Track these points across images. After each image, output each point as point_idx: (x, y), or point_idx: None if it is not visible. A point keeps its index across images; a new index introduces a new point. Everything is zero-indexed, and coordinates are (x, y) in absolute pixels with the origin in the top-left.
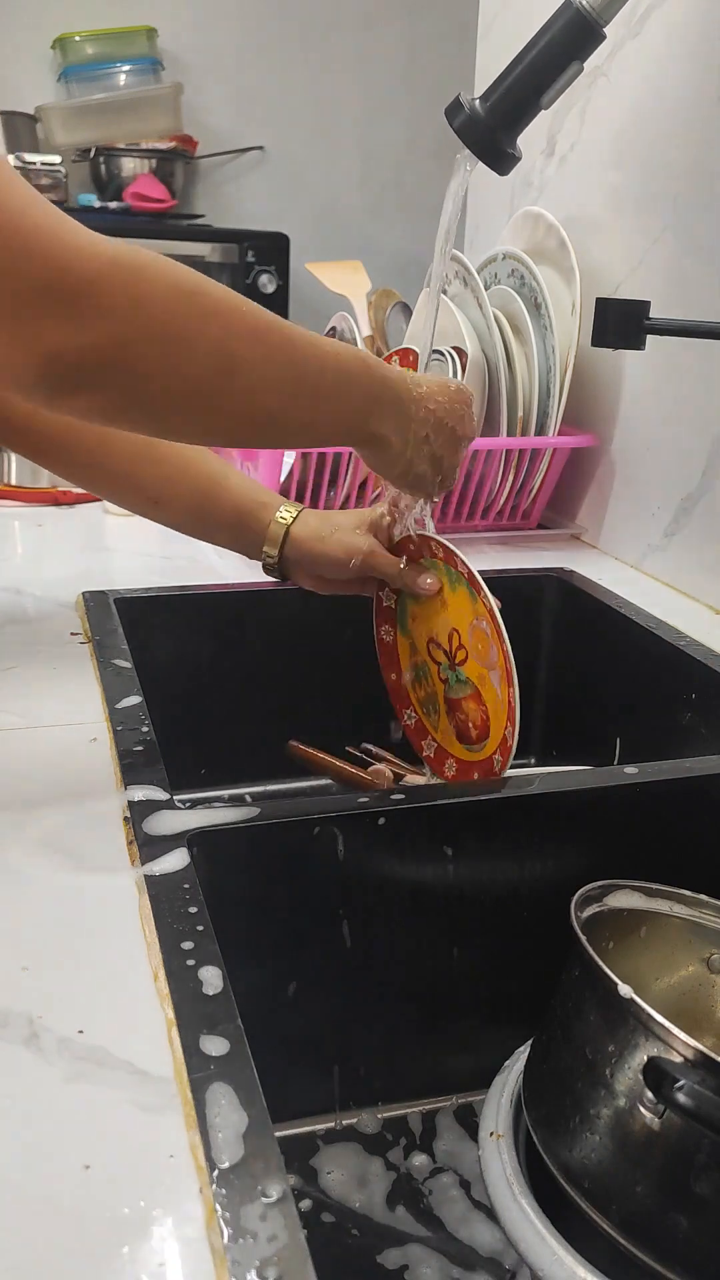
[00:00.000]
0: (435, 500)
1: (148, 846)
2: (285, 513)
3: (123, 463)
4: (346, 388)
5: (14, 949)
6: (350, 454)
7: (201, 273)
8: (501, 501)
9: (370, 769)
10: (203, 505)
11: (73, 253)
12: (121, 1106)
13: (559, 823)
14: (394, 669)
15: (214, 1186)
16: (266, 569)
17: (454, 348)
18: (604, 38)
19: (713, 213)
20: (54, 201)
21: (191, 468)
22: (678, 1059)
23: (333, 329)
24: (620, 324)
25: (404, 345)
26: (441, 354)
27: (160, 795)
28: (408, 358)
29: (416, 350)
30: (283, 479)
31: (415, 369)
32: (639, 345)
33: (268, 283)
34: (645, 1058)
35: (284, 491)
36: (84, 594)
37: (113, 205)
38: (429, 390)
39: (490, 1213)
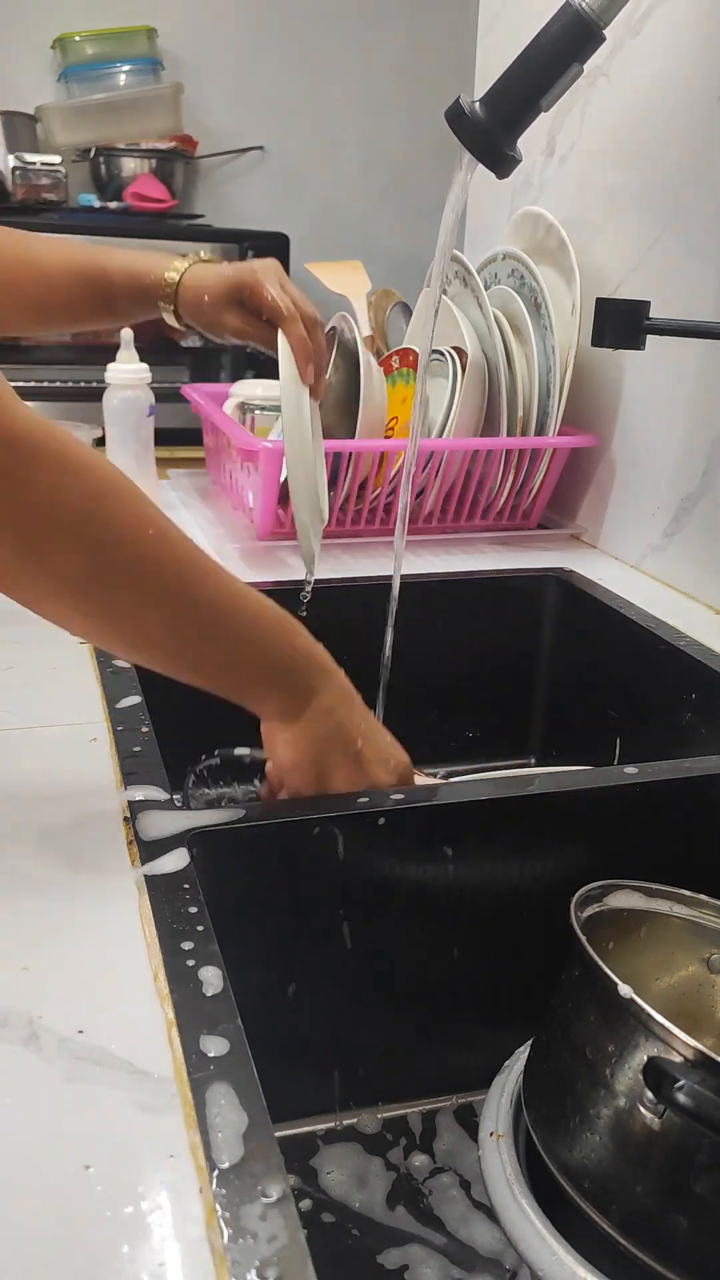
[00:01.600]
0: None
1: (148, 846)
2: (181, 262)
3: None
4: (251, 637)
5: (14, 949)
6: (350, 454)
7: None
8: (501, 501)
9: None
10: (93, 282)
11: (17, 425)
12: (121, 1106)
13: (559, 823)
14: None
15: (214, 1186)
16: (169, 315)
17: (454, 348)
18: (604, 39)
19: (713, 213)
20: (54, 201)
21: (73, 252)
22: (678, 1059)
23: (332, 329)
24: (620, 324)
25: (404, 345)
26: (442, 354)
27: (160, 795)
28: (408, 358)
29: (416, 350)
30: (283, 478)
31: (415, 369)
32: (639, 345)
33: None
34: (645, 1058)
35: (284, 489)
36: None
37: (113, 205)
38: (361, 712)
39: (490, 1213)
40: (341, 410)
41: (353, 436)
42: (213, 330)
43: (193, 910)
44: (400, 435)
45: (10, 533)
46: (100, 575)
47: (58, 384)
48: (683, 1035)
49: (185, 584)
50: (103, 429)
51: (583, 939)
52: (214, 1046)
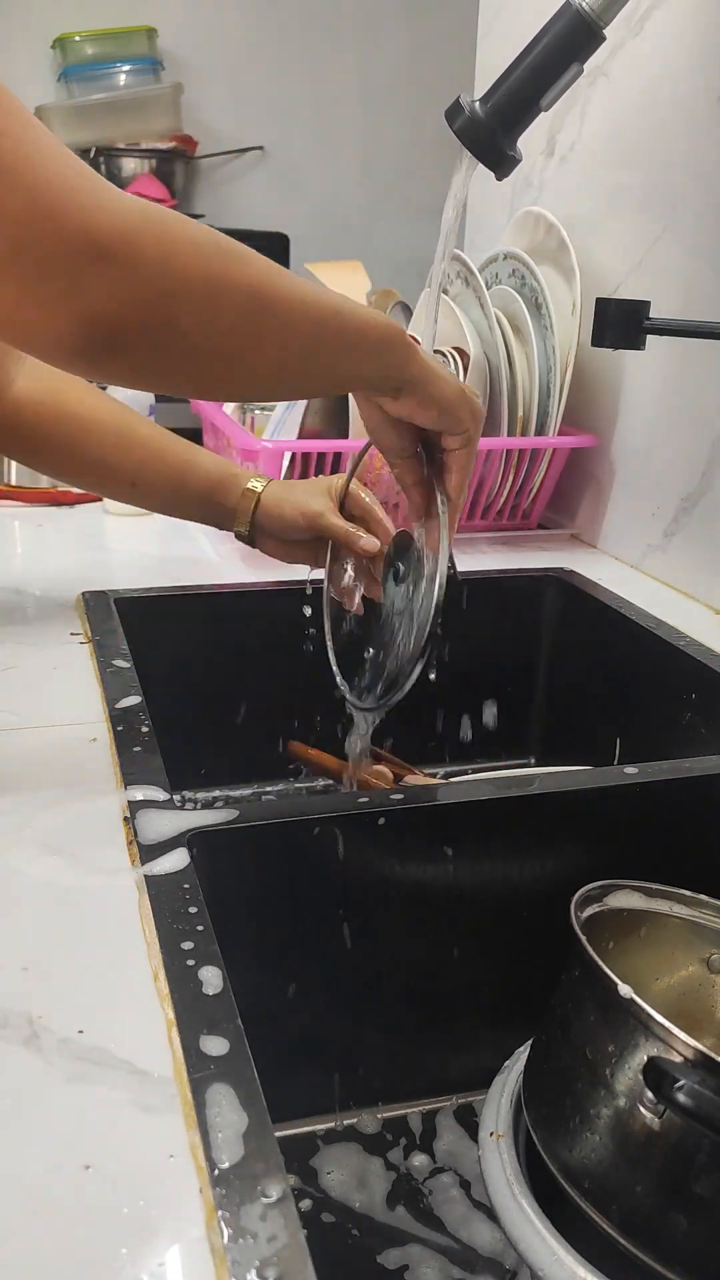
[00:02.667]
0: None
1: (148, 846)
2: (255, 483)
3: (100, 451)
4: (366, 321)
5: (14, 949)
6: (350, 455)
7: None
8: (501, 501)
9: (373, 768)
10: (179, 483)
11: (105, 211)
12: (121, 1106)
13: (559, 823)
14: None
15: (214, 1186)
16: (238, 536)
17: (455, 348)
18: (604, 39)
19: (713, 213)
20: None
21: (166, 449)
22: (678, 1059)
23: None
24: (620, 324)
25: None
26: (443, 354)
27: (160, 795)
28: None
29: (415, 338)
30: (282, 474)
31: None
32: (639, 345)
33: None
34: (645, 1058)
35: None
36: (84, 594)
37: None
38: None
39: (490, 1213)
40: (333, 409)
41: (345, 436)
42: (288, 520)
43: (193, 910)
44: None
45: (186, 296)
46: (255, 312)
47: None
48: (683, 1035)
49: (317, 298)
50: None
51: (583, 939)
52: (214, 1046)
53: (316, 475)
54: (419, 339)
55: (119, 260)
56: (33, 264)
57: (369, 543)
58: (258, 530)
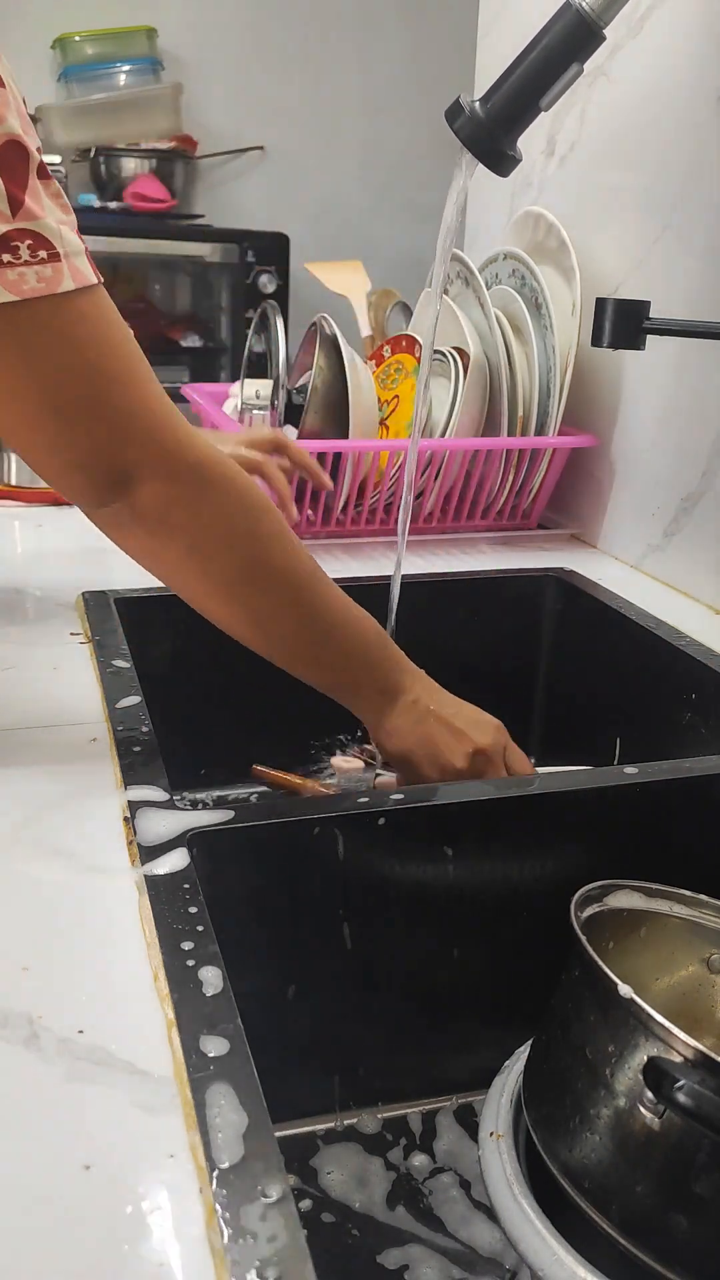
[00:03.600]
0: None
1: (148, 846)
2: None
3: None
4: (364, 636)
5: (14, 949)
6: (350, 455)
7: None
8: (501, 501)
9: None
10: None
11: (190, 444)
12: (121, 1106)
13: (559, 823)
14: None
15: (214, 1186)
16: None
17: (455, 348)
18: (604, 39)
19: (713, 213)
20: None
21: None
22: (678, 1059)
23: (313, 325)
24: (620, 324)
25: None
26: (443, 355)
27: (160, 795)
28: (401, 343)
29: (410, 336)
30: None
31: (415, 358)
32: (639, 345)
33: (268, 283)
34: (645, 1058)
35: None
36: (84, 594)
37: (113, 205)
38: (448, 701)
39: (490, 1213)
40: (331, 409)
41: (345, 436)
42: None
43: (193, 910)
44: (399, 434)
45: (184, 537)
46: (251, 581)
47: None
48: (683, 1035)
49: (313, 594)
50: None
51: (583, 939)
52: (214, 1046)
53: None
54: (419, 338)
55: (173, 475)
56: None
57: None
58: None
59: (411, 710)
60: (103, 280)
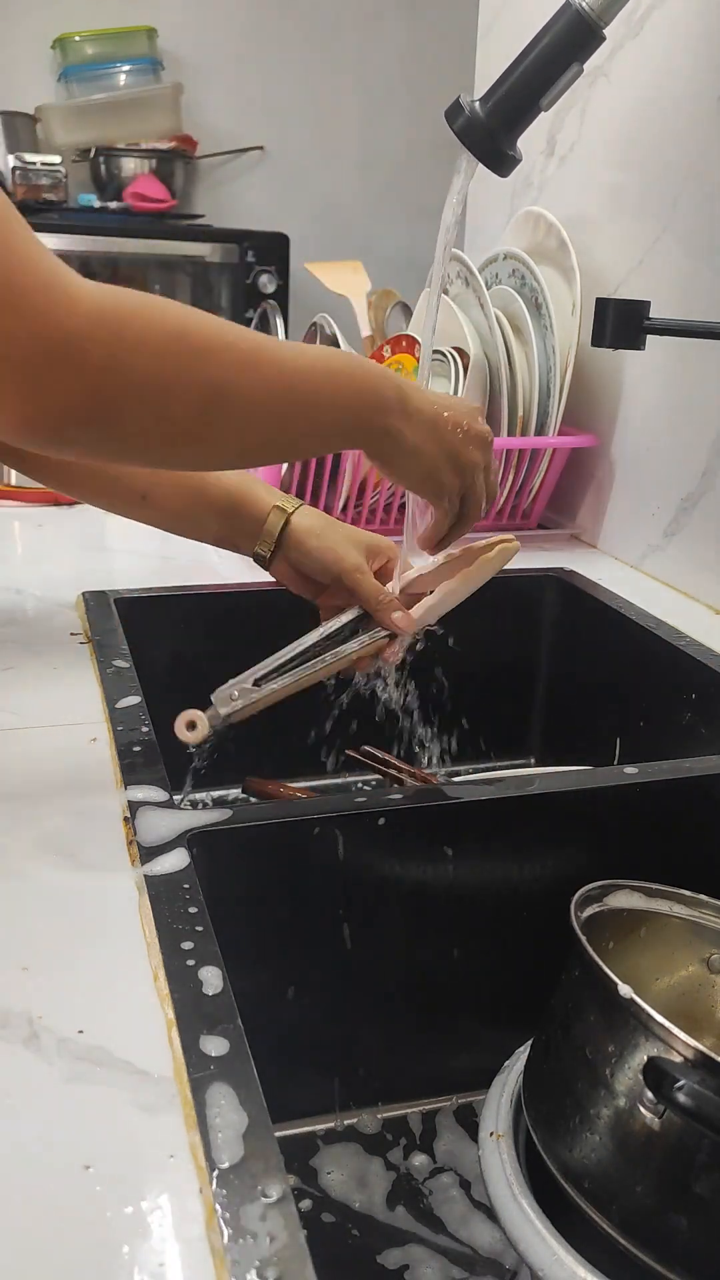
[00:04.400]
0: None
1: (148, 846)
2: (286, 503)
3: (114, 467)
4: (340, 392)
5: (14, 949)
6: (351, 454)
7: (189, 305)
8: (501, 501)
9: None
10: (194, 497)
11: (61, 309)
12: (121, 1106)
13: (559, 823)
14: None
15: (214, 1186)
16: (257, 558)
17: (455, 348)
18: (604, 39)
19: (713, 213)
20: (54, 201)
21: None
22: (678, 1059)
23: (313, 325)
24: (620, 324)
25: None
26: (443, 355)
27: (160, 795)
28: (401, 343)
29: (410, 336)
30: (282, 474)
31: (415, 357)
32: (639, 345)
33: (268, 283)
34: (645, 1058)
35: (283, 489)
36: (84, 594)
37: (113, 205)
38: (428, 393)
39: (490, 1213)
40: None
41: None
42: (318, 561)
43: (193, 910)
44: None
45: (134, 397)
46: (210, 410)
47: None
48: (683, 1035)
49: (283, 369)
50: None
51: (583, 939)
52: (214, 1046)
53: (315, 478)
54: (419, 339)
55: (65, 363)
56: None
57: (404, 620)
58: (278, 555)
59: (415, 435)
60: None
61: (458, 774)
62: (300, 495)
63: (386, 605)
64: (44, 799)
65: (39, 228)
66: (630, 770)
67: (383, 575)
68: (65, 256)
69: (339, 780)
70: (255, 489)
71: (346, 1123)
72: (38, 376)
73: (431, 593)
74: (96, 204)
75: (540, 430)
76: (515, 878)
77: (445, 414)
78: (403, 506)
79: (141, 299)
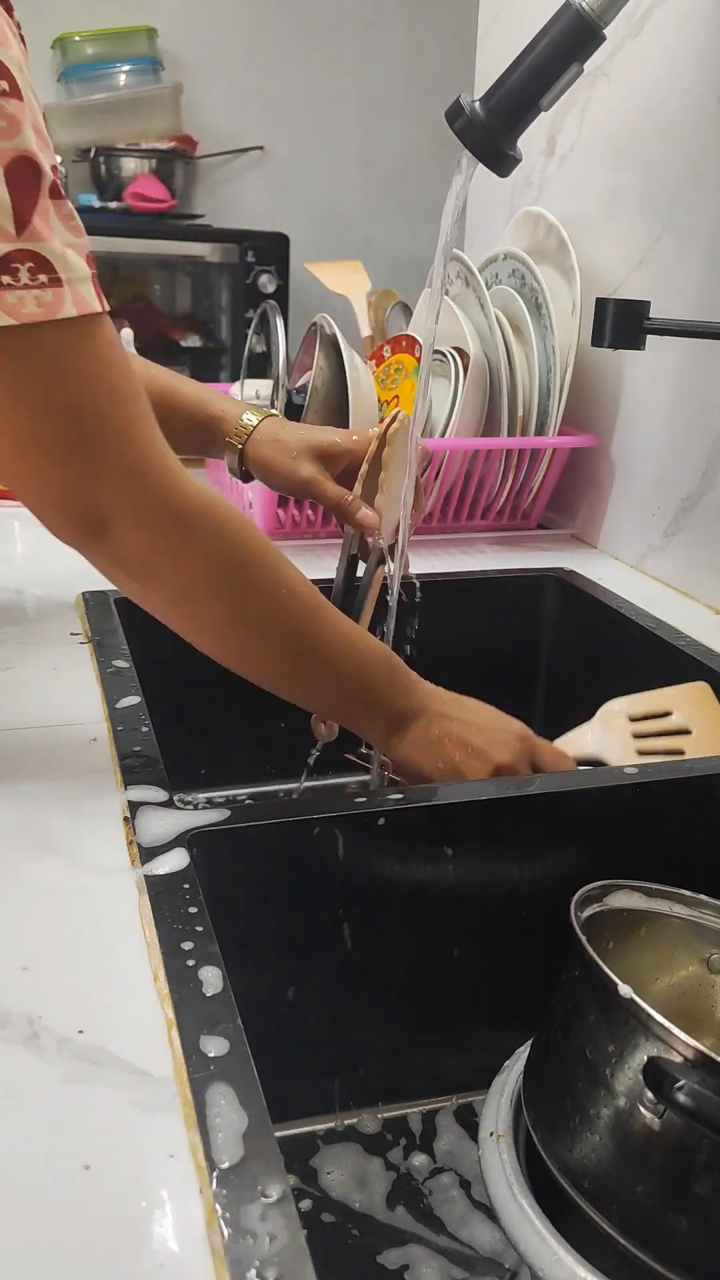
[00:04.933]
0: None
1: (148, 846)
2: (251, 416)
3: None
4: (360, 673)
5: (14, 949)
6: None
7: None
8: (501, 501)
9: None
10: (162, 409)
11: (175, 491)
12: (121, 1106)
13: (559, 823)
14: None
15: (214, 1186)
16: (231, 469)
17: (455, 348)
18: (604, 39)
19: (713, 213)
20: None
21: (146, 375)
22: (678, 1059)
23: (313, 324)
24: (620, 324)
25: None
26: (443, 355)
27: (160, 795)
28: (401, 343)
29: (410, 336)
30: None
31: (415, 357)
32: (639, 345)
33: (268, 283)
34: (645, 1058)
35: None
36: (84, 594)
37: (113, 205)
38: (457, 711)
39: (490, 1213)
40: (331, 410)
41: None
42: (279, 478)
43: (193, 910)
44: None
45: (167, 586)
46: (240, 626)
47: None
48: (683, 1035)
49: (308, 634)
50: None
51: (583, 939)
52: (214, 1046)
53: None
54: (419, 339)
55: (158, 525)
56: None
57: (369, 517)
58: (251, 465)
59: (424, 735)
60: (108, 309)
61: None
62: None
63: (351, 508)
64: (44, 799)
65: None
66: (630, 770)
67: (349, 473)
68: None
69: (339, 780)
70: (222, 405)
71: (346, 1123)
72: (131, 521)
73: (381, 491)
74: (96, 204)
75: (540, 430)
76: (515, 878)
77: (451, 736)
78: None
79: (229, 511)
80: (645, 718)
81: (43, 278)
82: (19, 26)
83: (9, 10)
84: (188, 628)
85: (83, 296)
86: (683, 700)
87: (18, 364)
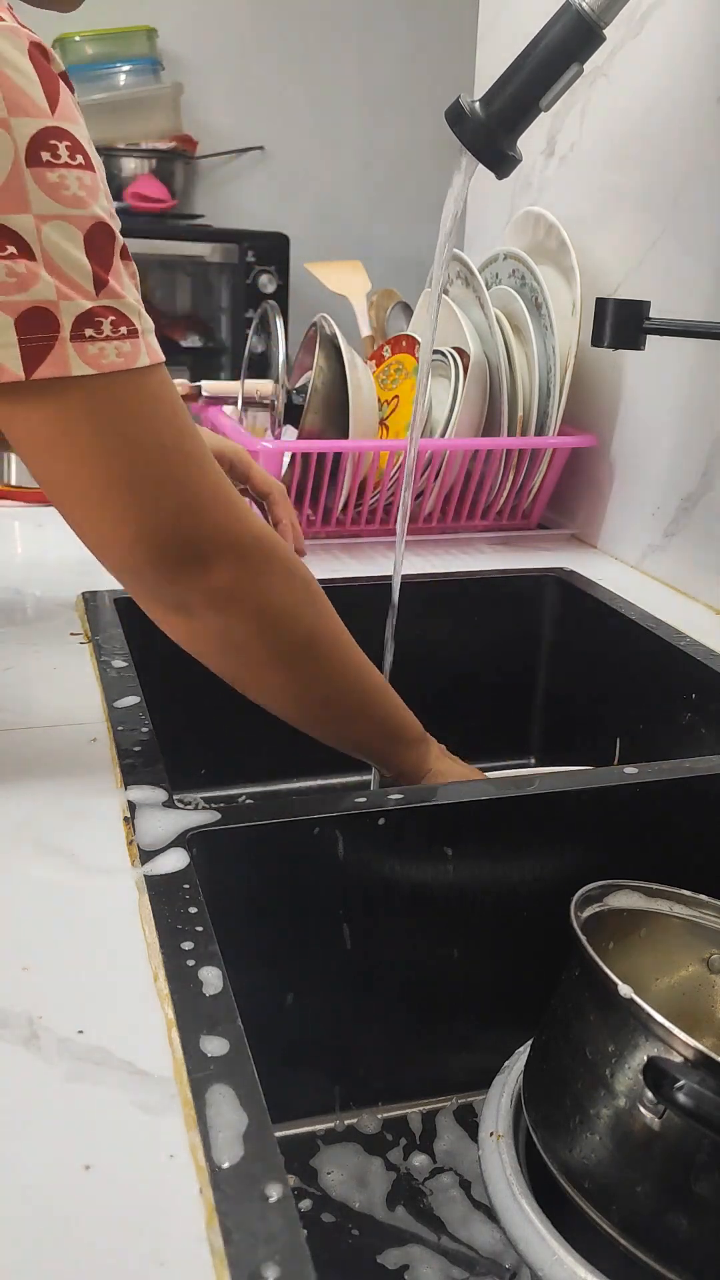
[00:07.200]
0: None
1: (147, 846)
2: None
3: None
4: (369, 724)
5: (14, 949)
6: (351, 455)
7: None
8: (501, 501)
9: None
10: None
11: (249, 515)
12: (121, 1106)
13: (559, 823)
14: None
15: (214, 1186)
16: None
17: (455, 348)
18: (604, 39)
19: (713, 213)
20: None
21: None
22: (678, 1059)
23: (313, 325)
24: (620, 324)
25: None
26: (443, 355)
27: (160, 795)
28: (401, 343)
29: (411, 336)
30: (282, 473)
31: (415, 357)
32: (639, 345)
33: (268, 283)
34: (645, 1058)
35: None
36: (84, 594)
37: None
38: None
39: (490, 1213)
40: (331, 409)
41: (344, 436)
42: None
43: (192, 910)
44: (399, 434)
45: (254, 614)
46: (311, 647)
47: None
48: (683, 1035)
49: (343, 673)
50: None
51: (583, 939)
52: (214, 1047)
53: (316, 478)
54: (419, 339)
55: (233, 556)
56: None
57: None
58: None
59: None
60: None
61: None
62: (300, 495)
63: (282, 495)
64: (44, 799)
65: None
66: (630, 770)
67: (233, 475)
68: None
69: (339, 780)
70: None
71: (346, 1123)
72: (201, 560)
73: None
74: None
75: (540, 430)
76: (515, 878)
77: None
78: (388, 508)
79: (284, 547)
80: None
81: (123, 329)
82: (20, 24)
83: (9, 10)
84: (263, 654)
85: (152, 347)
86: None
87: (104, 411)
